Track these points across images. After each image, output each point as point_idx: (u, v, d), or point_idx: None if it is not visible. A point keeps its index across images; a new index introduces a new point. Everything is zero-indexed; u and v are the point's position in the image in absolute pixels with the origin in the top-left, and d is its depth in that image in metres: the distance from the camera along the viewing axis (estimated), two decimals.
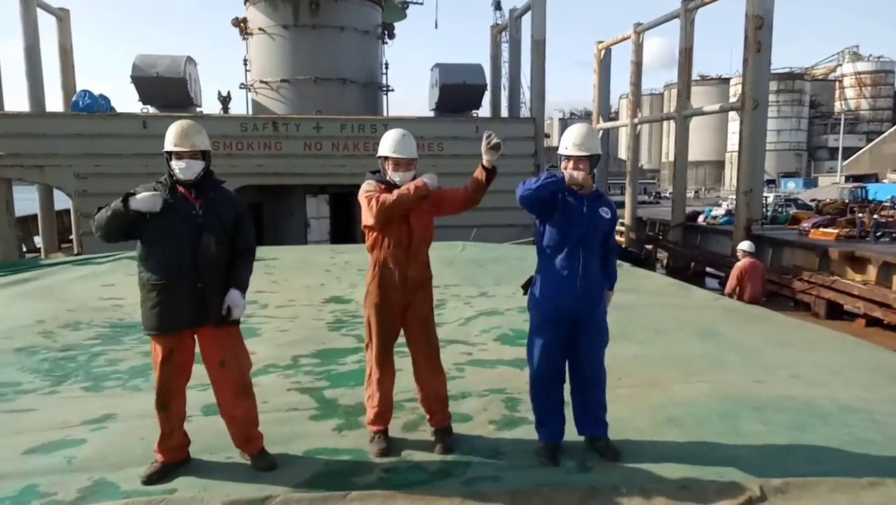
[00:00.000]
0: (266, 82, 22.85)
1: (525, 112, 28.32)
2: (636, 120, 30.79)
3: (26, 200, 23.07)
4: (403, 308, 3.57)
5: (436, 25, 39.62)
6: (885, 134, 55.66)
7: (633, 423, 3.87)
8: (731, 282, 9.82)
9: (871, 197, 31.30)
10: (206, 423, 3.79)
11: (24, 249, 22.19)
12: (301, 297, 8.16)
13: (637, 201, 32.75)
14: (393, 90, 25.39)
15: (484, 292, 8.35)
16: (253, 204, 18.35)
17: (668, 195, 47.86)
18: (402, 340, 3.66)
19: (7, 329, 6.37)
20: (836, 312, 16.83)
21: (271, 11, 22.52)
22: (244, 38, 23.87)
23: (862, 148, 58.59)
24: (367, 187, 3.55)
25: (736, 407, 4.16)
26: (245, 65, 24.17)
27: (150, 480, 3.16)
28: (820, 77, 78.57)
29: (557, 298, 3.38)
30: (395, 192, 3.45)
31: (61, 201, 21.93)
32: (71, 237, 22.73)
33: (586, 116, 79.83)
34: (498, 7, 51.19)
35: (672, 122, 28.44)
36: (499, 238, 15.07)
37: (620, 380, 4.55)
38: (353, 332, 6.35)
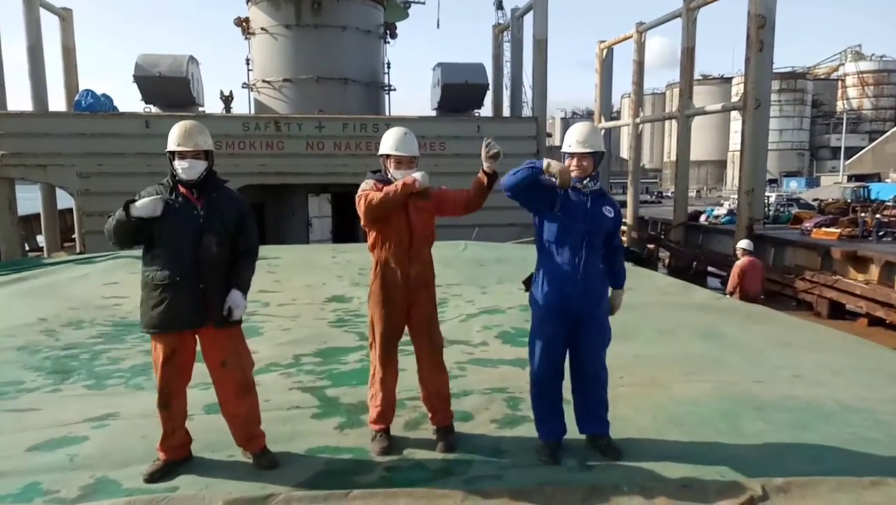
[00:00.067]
0: (268, 82, 22.87)
1: (527, 111, 28.29)
2: (638, 119, 30.77)
3: (29, 200, 23.11)
4: (407, 308, 3.57)
5: (438, 25, 39.80)
6: (888, 133, 55.54)
7: (635, 422, 3.87)
8: (732, 281, 9.83)
9: (873, 196, 31.26)
10: (207, 421, 3.79)
11: (27, 248, 22.24)
12: (303, 296, 8.17)
13: (639, 201, 32.75)
14: (395, 90, 25.44)
15: (486, 291, 8.35)
16: (255, 203, 18.37)
17: (669, 195, 47.78)
18: (405, 338, 3.66)
19: (10, 327, 6.39)
20: (838, 312, 16.82)
21: (273, 11, 22.55)
22: (246, 38, 23.89)
23: (864, 147, 58.45)
24: (363, 186, 3.55)
25: (738, 406, 4.16)
26: (247, 64, 24.20)
27: (153, 478, 3.17)
28: (822, 76, 78.44)
29: (558, 294, 3.37)
30: (384, 189, 3.44)
31: (64, 200, 21.97)
32: (73, 236, 22.76)
33: (588, 116, 79.78)
34: (500, 6, 51.24)
35: (674, 121, 28.40)
36: (501, 237, 15.07)
37: (622, 379, 4.55)
38: (355, 330, 6.35)
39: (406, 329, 3.66)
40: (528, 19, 23.20)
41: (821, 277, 17.45)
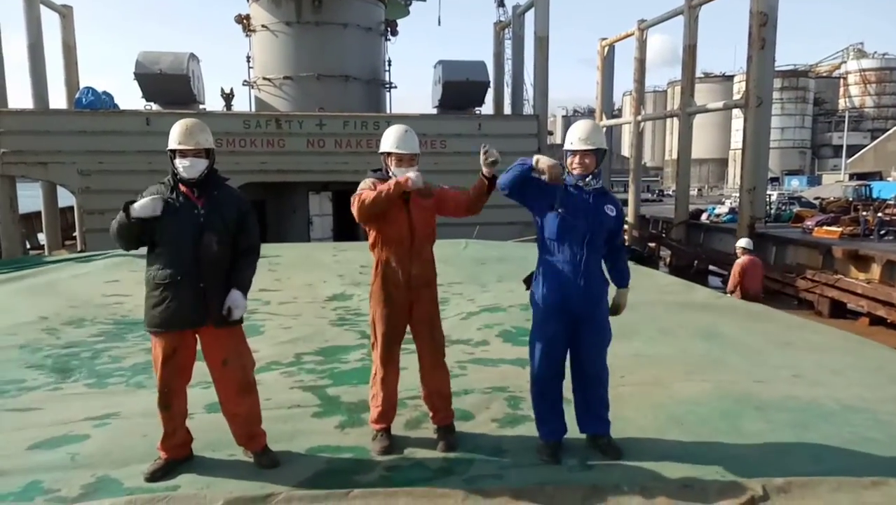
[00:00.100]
0: (269, 79, 22.86)
1: (528, 109, 28.25)
2: (639, 117, 30.74)
3: (30, 197, 23.10)
4: (408, 307, 3.56)
5: (439, 22, 39.67)
6: (890, 132, 55.44)
7: (636, 421, 3.87)
8: (733, 280, 9.83)
9: (875, 195, 31.19)
10: (208, 420, 3.79)
11: (28, 246, 22.24)
12: (304, 294, 8.18)
13: (640, 199, 32.73)
14: (396, 87, 25.42)
15: (487, 290, 8.35)
16: (256, 201, 18.36)
17: (671, 193, 47.76)
18: (407, 337, 3.66)
19: (11, 326, 6.39)
20: (839, 311, 16.82)
21: (274, 8, 22.52)
22: (247, 35, 23.87)
23: (866, 146, 58.35)
24: (361, 185, 3.53)
25: (738, 406, 4.15)
26: (248, 62, 24.19)
27: (154, 476, 3.17)
28: (824, 74, 78.31)
29: (559, 293, 3.36)
30: (377, 188, 3.43)
31: (65, 198, 21.97)
32: (74, 234, 22.77)
33: (589, 113, 79.66)
34: (501, 4, 51.17)
35: (675, 119, 28.36)
36: (502, 236, 15.07)
37: (623, 378, 4.55)
38: (356, 329, 6.35)
39: (407, 328, 3.65)
40: (530, 16, 23.20)
41: (822, 275, 17.45)
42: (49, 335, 6.13)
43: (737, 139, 54.84)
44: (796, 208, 27.23)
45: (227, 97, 22.88)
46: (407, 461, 3.43)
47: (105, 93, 19.59)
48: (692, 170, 32.45)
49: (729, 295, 9.58)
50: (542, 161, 3.31)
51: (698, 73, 39.47)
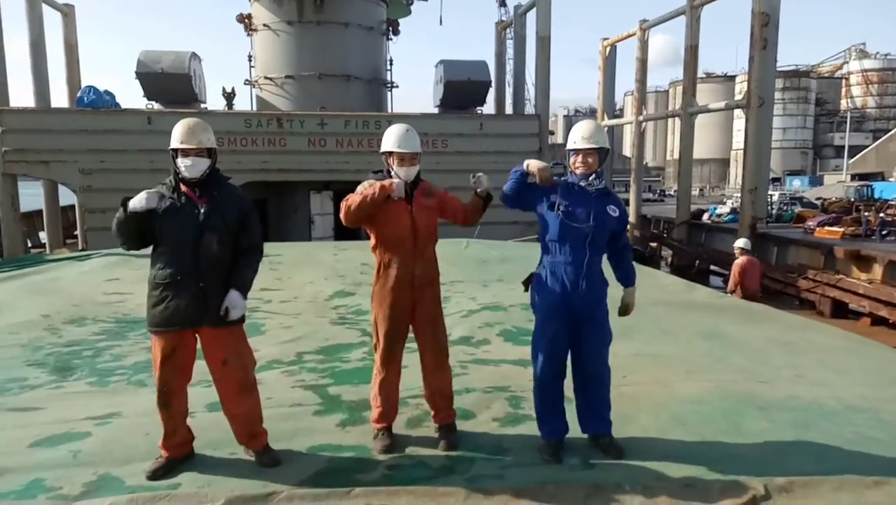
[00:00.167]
0: (270, 78, 22.86)
1: (529, 109, 28.25)
2: (641, 117, 30.72)
3: (31, 196, 23.13)
4: (411, 307, 3.55)
5: (440, 22, 39.81)
6: (892, 132, 55.36)
7: (637, 421, 3.87)
8: (733, 279, 9.88)
9: (876, 195, 31.16)
10: (210, 419, 3.79)
11: (29, 245, 22.27)
12: (305, 293, 8.17)
13: (641, 199, 32.71)
14: (397, 87, 25.43)
15: (488, 289, 8.35)
16: (257, 200, 18.38)
17: (672, 193, 47.72)
18: (409, 335, 3.66)
19: (13, 324, 6.40)
20: (841, 311, 16.80)
21: (276, 7, 22.52)
22: (249, 35, 23.87)
23: (868, 146, 58.29)
24: (359, 187, 3.53)
25: (740, 405, 4.15)
26: (249, 61, 24.18)
27: (155, 475, 3.18)
28: (826, 75, 78.20)
29: (562, 293, 3.36)
30: (361, 192, 3.44)
31: (66, 197, 21.99)
32: (76, 233, 22.78)
33: (591, 113, 79.63)
34: (502, 3, 51.16)
35: (677, 119, 28.35)
36: (503, 235, 15.06)
37: (625, 378, 4.54)
38: (357, 328, 6.35)
39: (411, 328, 3.65)
40: (531, 16, 23.20)
41: (824, 276, 17.43)
42: (51, 333, 6.13)
43: (738, 139, 54.71)
44: (798, 209, 27.23)
45: (229, 96, 22.88)
46: (408, 460, 3.43)
47: (107, 92, 19.61)
48: (694, 170, 32.43)
49: (730, 295, 9.60)
50: (532, 165, 3.38)
51: (700, 74, 39.44)
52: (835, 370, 5.02)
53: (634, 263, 3.87)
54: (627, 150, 53.76)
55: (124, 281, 8.63)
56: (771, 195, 26.92)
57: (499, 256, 10.99)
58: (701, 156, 61.47)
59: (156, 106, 21.05)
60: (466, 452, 3.51)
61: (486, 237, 13.98)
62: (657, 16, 28.81)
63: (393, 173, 3.55)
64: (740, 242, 10.34)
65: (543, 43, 21.42)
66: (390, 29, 24.98)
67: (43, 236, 22.95)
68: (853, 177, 49.41)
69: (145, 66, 20.95)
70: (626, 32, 31.09)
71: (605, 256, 3.51)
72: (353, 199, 3.44)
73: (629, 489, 3.02)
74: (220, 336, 3.26)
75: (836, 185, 44.39)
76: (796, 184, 54.79)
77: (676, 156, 32.32)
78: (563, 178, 3.46)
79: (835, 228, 20.63)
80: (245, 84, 24.18)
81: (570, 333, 3.42)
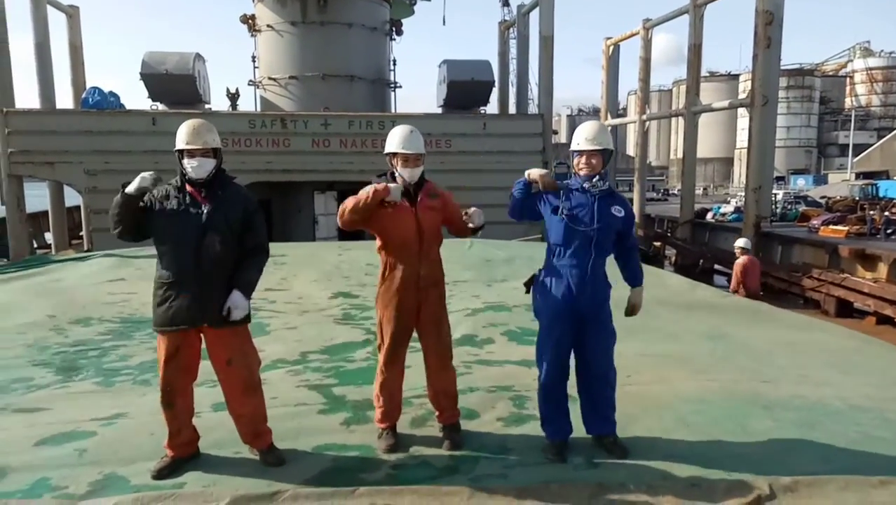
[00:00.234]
0: (274, 79, 22.88)
1: (533, 108, 28.23)
2: (645, 116, 30.65)
3: (37, 197, 23.24)
4: (416, 308, 3.56)
5: (444, 22, 39.72)
6: None
7: (642, 421, 3.86)
8: (735, 279, 9.91)
9: (881, 194, 31.07)
10: (215, 418, 3.81)
11: (35, 246, 22.37)
12: (309, 293, 8.19)
13: (645, 198, 32.64)
14: (401, 87, 25.41)
15: (492, 289, 8.35)
16: (262, 201, 18.39)
17: (676, 192, 47.60)
18: (414, 335, 3.66)
19: (19, 325, 6.43)
20: (845, 310, 16.72)
21: (280, 8, 22.54)
22: (252, 35, 23.91)
23: (873, 145, 58.09)
24: (361, 191, 3.54)
25: (745, 405, 4.14)
26: (253, 61, 24.21)
27: (160, 474, 3.19)
28: (830, 73, 77.94)
29: (567, 296, 3.36)
30: (353, 198, 3.46)
31: (72, 198, 22.07)
32: (81, 234, 22.89)
33: (594, 113, 79.52)
34: (506, 3, 51.11)
35: (681, 118, 28.28)
36: (506, 235, 15.05)
37: (629, 378, 4.54)
38: (361, 327, 6.36)
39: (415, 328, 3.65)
40: (535, 16, 23.14)
41: (828, 275, 17.37)
42: (56, 334, 6.16)
43: (742, 138, 54.62)
44: (802, 207, 27.13)
45: (233, 97, 22.92)
46: (413, 459, 3.43)
47: (111, 93, 19.66)
48: (697, 169, 32.33)
49: (733, 294, 9.59)
50: (533, 172, 3.43)
51: (704, 72, 39.38)
52: (839, 370, 5.01)
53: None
54: (631, 150, 53.65)
55: (129, 281, 8.66)
56: (775, 194, 26.83)
57: (503, 256, 10.98)
58: (705, 155, 61.28)
59: (160, 107, 21.09)
60: (470, 451, 3.51)
61: (489, 236, 13.98)
62: (660, 15, 28.75)
63: (397, 175, 3.55)
64: (741, 242, 10.36)
65: (546, 42, 21.38)
66: (394, 29, 24.97)
67: (48, 237, 23.06)
68: (858, 175, 49.25)
69: (150, 67, 21.00)
70: (629, 32, 31.03)
71: (611, 256, 3.51)
72: (346, 204, 3.47)
73: (634, 489, 3.02)
74: (224, 336, 3.26)
75: (841, 183, 44.27)
76: (800, 183, 54.64)
77: (680, 155, 32.23)
78: (565, 182, 3.46)
79: (839, 227, 20.56)
80: (249, 85, 24.22)
81: (574, 336, 3.42)
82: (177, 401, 3.26)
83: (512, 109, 28.27)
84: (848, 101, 73.66)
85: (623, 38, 31.86)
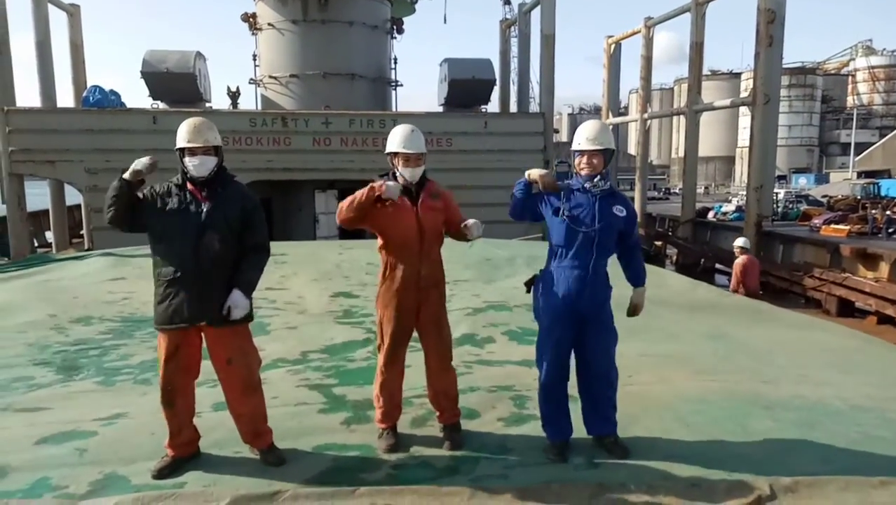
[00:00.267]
0: (275, 77, 22.89)
1: (534, 107, 28.22)
2: (646, 115, 30.62)
3: (38, 196, 23.24)
4: (417, 308, 3.55)
5: (444, 20, 39.71)
6: None
7: (642, 421, 3.86)
8: (735, 279, 9.92)
9: (883, 193, 31.06)
10: (216, 418, 3.81)
11: (36, 244, 22.40)
12: (310, 292, 8.19)
13: (646, 197, 32.62)
14: (402, 85, 25.42)
15: (492, 288, 8.34)
16: (262, 199, 18.33)
17: (677, 191, 47.59)
18: (414, 334, 3.66)
19: (20, 324, 6.43)
20: (847, 310, 16.72)
21: (280, 6, 22.54)
22: (253, 34, 23.91)
23: (875, 143, 58.01)
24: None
25: (745, 405, 4.14)
26: (254, 60, 24.23)
27: (161, 474, 3.19)
28: (832, 72, 77.81)
29: (569, 296, 3.35)
30: (354, 195, 3.46)
31: (72, 196, 22.09)
32: (82, 232, 22.91)
33: (596, 111, 79.47)
34: (507, 2, 51.11)
35: (682, 117, 28.25)
36: (507, 234, 15.04)
37: (630, 378, 4.53)
38: (362, 327, 6.36)
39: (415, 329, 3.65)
40: (536, 14, 23.12)
41: (830, 274, 17.35)
42: (57, 333, 6.16)
43: (744, 137, 54.48)
44: (804, 206, 27.11)
45: (234, 95, 22.92)
46: (413, 459, 3.43)
47: (112, 91, 19.68)
48: (699, 168, 32.33)
49: (734, 294, 9.60)
50: (533, 173, 3.42)
51: (705, 71, 39.28)
52: (840, 369, 5.00)
53: None
54: (632, 149, 53.62)
55: (130, 280, 8.66)
56: (776, 193, 26.83)
57: (504, 255, 10.97)
58: (706, 154, 61.30)
59: (161, 105, 21.10)
60: (471, 451, 3.51)
61: (490, 235, 13.97)
62: (662, 13, 28.71)
63: (398, 174, 3.55)
64: (740, 241, 10.39)
65: (548, 41, 21.35)
66: (394, 27, 24.96)
67: (49, 236, 23.07)
68: (859, 174, 49.23)
69: (150, 65, 21.00)
70: (631, 30, 31.00)
71: (614, 256, 3.51)
72: (343, 203, 3.47)
73: (634, 489, 3.02)
74: (224, 335, 3.26)
75: (843, 182, 44.24)
76: (802, 181, 54.56)
77: (681, 154, 32.24)
78: (566, 182, 3.45)
79: (841, 226, 20.54)
80: (250, 83, 24.23)
81: (575, 336, 3.42)
82: (177, 400, 3.26)
83: (513, 108, 28.26)
84: (850, 100, 73.56)
85: (624, 36, 31.82)
